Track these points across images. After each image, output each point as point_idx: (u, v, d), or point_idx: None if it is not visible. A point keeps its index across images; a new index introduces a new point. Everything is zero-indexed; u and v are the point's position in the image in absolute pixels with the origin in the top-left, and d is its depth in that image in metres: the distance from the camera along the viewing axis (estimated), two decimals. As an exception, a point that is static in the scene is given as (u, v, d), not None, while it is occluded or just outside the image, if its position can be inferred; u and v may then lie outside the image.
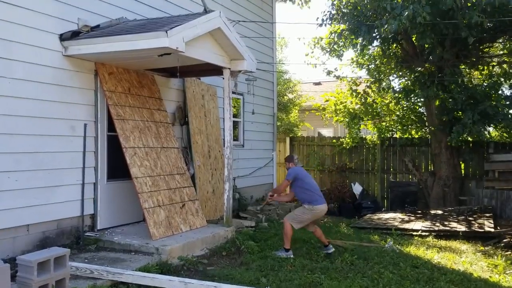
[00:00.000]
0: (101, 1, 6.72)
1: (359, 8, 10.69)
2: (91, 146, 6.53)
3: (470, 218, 9.73)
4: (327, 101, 14.37)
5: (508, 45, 11.99)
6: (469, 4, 8.65)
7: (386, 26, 8.75)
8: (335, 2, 11.56)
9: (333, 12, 11.41)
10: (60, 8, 6.06)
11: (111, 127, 6.69)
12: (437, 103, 11.14)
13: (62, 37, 6.06)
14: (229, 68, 7.33)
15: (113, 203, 6.91)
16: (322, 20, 11.34)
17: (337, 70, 13.44)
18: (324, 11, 11.55)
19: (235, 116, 10.85)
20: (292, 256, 6.57)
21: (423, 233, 8.65)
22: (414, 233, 8.69)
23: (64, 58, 6.10)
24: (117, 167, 6.82)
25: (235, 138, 10.85)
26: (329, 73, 13.28)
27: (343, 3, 11.47)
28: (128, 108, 6.83)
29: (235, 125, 10.88)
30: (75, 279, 4.79)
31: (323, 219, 10.69)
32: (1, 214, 5.29)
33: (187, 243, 6.23)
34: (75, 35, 6.12)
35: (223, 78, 7.40)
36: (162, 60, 6.26)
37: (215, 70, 7.41)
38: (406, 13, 8.37)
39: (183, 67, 6.66)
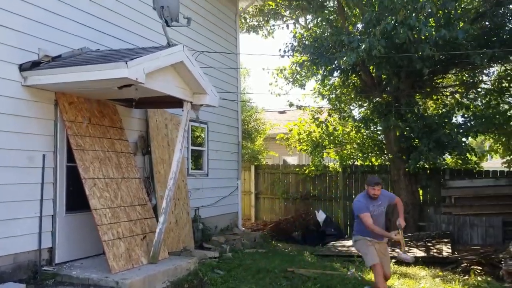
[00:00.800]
0: (63, 31, 6.70)
1: (319, 40, 11.07)
2: (50, 177, 6.39)
3: (429, 244, 9.99)
4: (290, 130, 14.62)
5: (459, 76, 12.65)
6: (422, 37, 9.12)
7: (344, 59, 9.10)
8: (296, 35, 11.94)
9: (295, 44, 11.77)
10: (20, 38, 6.01)
11: (70, 157, 6.57)
12: (398, 133, 11.52)
13: (22, 67, 5.98)
14: (191, 102, 7.36)
15: (72, 235, 6.73)
16: (284, 51, 11.67)
17: (299, 100, 13.82)
18: (286, 43, 11.93)
19: (199, 145, 10.87)
20: None
21: (384, 260, 8.78)
22: (376, 260, 8.82)
23: (23, 88, 6.02)
24: (77, 199, 6.67)
25: (200, 167, 10.84)
26: (291, 105, 13.62)
27: (304, 36, 11.86)
28: (88, 138, 6.76)
29: (200, 154, 10.89)
30: (30, 317, 4.62)
31: (287, 247, 10.74)
32: (-49, 250, 5.07)
33: (148, 276, 6.11)
34: (35, 65, 6.06)
35: (183, 110, 7.42)
36: (123, 91, 6.26)
37: (177, 103, 7.42)
38: (363, 46, 8.74)
39: (144, 98, 6.68)
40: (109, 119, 7.41)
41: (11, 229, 5.78)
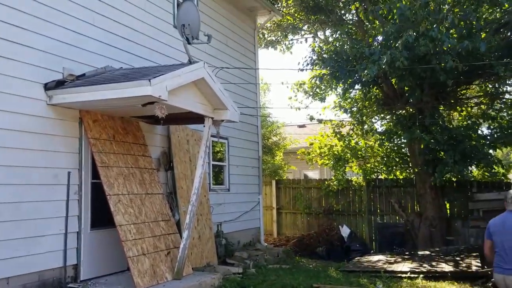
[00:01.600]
0: (86, 50, 6.83)
1: (339, 53, 11.04)
2: (75, 194, 6.44)
3: (458, 258, 9.71)
4: (311, 144, 14.53)
5: (483, 87, 12.42)
6: (444, 48, 9.01)
7: (366, 71, 9.03)
8: (315, 49, 11.93)
9: (314, 57, 11.76)
10: (46, 58, 6.14)
11: (95, 174, 6.64)
12: (422, 145, 11.33)
13: (47, 86, 6.10)
14: (212, 117, 7.39)
15: (97, 252, 6.76)
16: (304, 65, 11.67)
17: (320, 114, 13.74)
18: (305, 57, 11.93)
19: (220, 160, 10.88)
20: None
21: (412, 275, 8.57)
22: (403, 275, 8.61)
23: (48, 107, 6.12)
24: (101, 215, 6.71)
25: (221, 182, 10.83)
26: (311, 118, 13.54)
27: (324, 49, 11.85)
28: (112, 155, 6.82)
29: (221, 169, 10.89)
30: (56, 334, 4.61)
31: (311, 263, 10.58)
32: (-20, 267, 5.13)
33: (172, 292, 6.08)
34: (60, 84, 6.18)
35: (204, 126, 7.45)
36: (146, 109, 6.32)
37: (198, 119, 7.47)
38: (385, 58, 8.67)
39: (166, 115, 6.71)
40: (132, 135, 7.47)
41: (37, 246, 5.82)
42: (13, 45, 5.70)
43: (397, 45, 8.80)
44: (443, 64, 9.05)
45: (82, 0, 6.80)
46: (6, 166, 5.51)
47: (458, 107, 12.37)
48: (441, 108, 11.90)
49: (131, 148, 7.32)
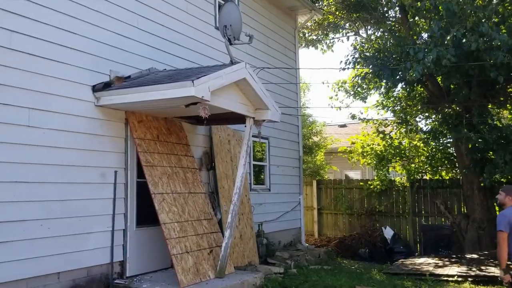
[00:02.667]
0: (131, 53, 7.02)
1: (381, 52, 10.81)
2: (121, 192, 6.64)
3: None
4: (353, 143, 14.31)
5: (536, 84, 11.81)
6: (493, 45, 8.65)
7: (410, 72, 8.79)
8: (357, 47, 11.74)
9: (356, 56, 11.57)
10: (93, 61, 6.35)
11: (140, 173, 6.81)
12: (470, 146, 10.93)
13: (95, 88, 6.31)
14: (253, 117, 7.42)
15: (142, 249, 6.93)
16: (345, 63, 11.50)
17: (362, 113, 13.48)
18: (347, 55, 11.75)
19: (261, 160, 10.90)
20: None
21: (459, 279, 8.30)
22: (450, 279, 8.35)
23: (96, 108, 6.33)
24: (146, 213, 6.87)
25: (262, 182, 10.85)
26: (353, 117, 13.31)
27: (366, 48, 11.63)
28: (156, 155, 6.97)
29: (261, 169, 10.91)
30: (104, 328, 4.75)
31: (353, 265, 10.43)
32: (34, 262, 5.36)
33: (215, 291, 6.15)
34: (107, 86, 6.37)
35: (245, 126, 7.48)
36: (189, 109, 6.42)
37: (240, 119, 7.51)
38: (431, 56, 8.41)
39: (209, 115, 6.79)
40: (175, 136, 7.61)
41: (85, 243, 6.03)
42: (64, 49, 5.93)
43: (445, 42, 8.52)
44: (492, 61, 8.69)
45: (127, 3, 7.00)
46: (57, 165, 5.74)
47: (508, 105, 11.83)
48: (489, 107, 11.43)
49: (174, 148, 7.45)
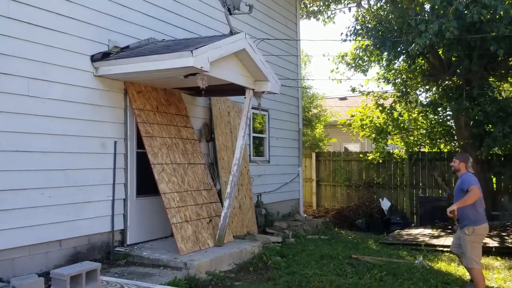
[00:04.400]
0: (130, 23, 6.95)
1: (383, 23, 10.68)
2: (121, 162, 6.70)
3: (503, 234, 9.47)
4: (353, 116, 14.31)
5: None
6: (497, 17, 8.55)
7: (413, 45, 8.71)
8: (359, 18, 11.59)
9: (358, 27, 11.44)
10: (92, 31, 6.31)
11: (140, 144, 6.86)
12: (470, 117, 10.94)
13: (94, 58, 6.29)
14: (253, 89, 7.41)
15: (142, 218, 7.05)
16: (347, 35, 11.39)
17: (362, 86, 13.42)
18: (349, 27, 11.62)
19: (260, 132, 10.94)
20: None
21: (454, 249, 8.44)
22: (445, 249, 8.50)
23: (95, 78, 6.32)
24: (146, 183, 6.96)
25: (261, 154, 10.92)
26: (353, 90, 13.25)
27: (367, 19, 11.49)
28: (156, 126, 7.00)
29: (261, 141, 10.96)
30: (106, 293, 4.89)
31: (350, 235, 10.60)
32: (35, 230, 5.47)
33: (214, 258, 6.28)
34: (105, 56, 6.35)
35: (245, 98, 7.48)
36: (188, 80, 6.41)
37: (239, 90, 7.51)
38: (433, 28, 8.33)
39: (208, 86, 6.78)
40: (175, 107, 7.62)
41: (86, 211, 6.13)
42: (62, 18, 5.88)
43: (447, 13, 8.41)
44: (494, 33, 8.61)
45: (126, -28, 6.89)
46: (57, 135, 5.78)
47: (509, 78, 11.78)
48: (490, 79, 11.38)
49: (173, 119, 7.48)
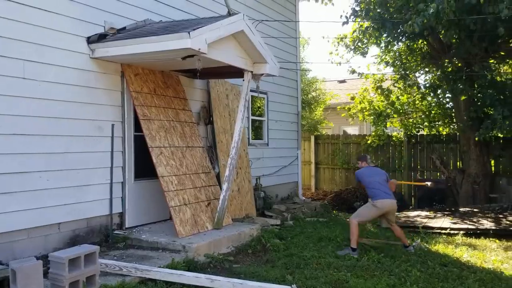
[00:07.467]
0: (127, 4, 6.85)
1: (383, 4, 10.54)
2: (119, 146, 6.67)
3: (501, 216, 9.51)
4: (352, 99, 14.25)
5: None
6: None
7: (409, 23, 8.62)
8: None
9: (357, 9, 11.31)
10: (88, 12, 6.21)
11: (137, 127, 6.82)
12: (464, 98, 10.90)
13: (90, 40, 6.20)
14: (251, 71, 7.34)
15: (141, 201, 7.05)
16: (346, 17, 11.25)
17: (360, 67, 13.34)
18: (348, 7, 11.47)
19: (259, 115, 10.89)
20: (356, 256, 6.53)
21: (452, 231, 8.50)
22: (442, 231, 8.55)
23: (91, 60, 6.25)
24: (144, 167, 6.94)
25: (260, 137, 10.89)
26: (353, 72, 13.14)
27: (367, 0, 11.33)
28: (154, 109, 6.95)
29: (260, 124, 10.92)
30: (105, 276, 4.91)
31: (349, 217, 10.62)
32: (34, 213, 5.46)
33: (213, 241, 6.30)
34: (102, 37, 6.26)
35: (243, 80, 7.41)
36: (186, 62, 6.34)
37: (238, 73, 7.44)
38: (431, 10, 8.22)
39: (206, 68, 6.73)
40: (173, 89, 7.56)
41: (85, 194, 6.13)
42: (56, -1, 5.78)
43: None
44: (496, 14, 8.50)
45: (121, -49, 6.75)
46: (54, 117, 5.73)
47: (509, 60, 11.69)
48: (491, 61, 11.30)
49: (171, 102, 7.42)
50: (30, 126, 5.45)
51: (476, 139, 10.60)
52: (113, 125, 6.54)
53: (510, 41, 11.25)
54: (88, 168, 6.17)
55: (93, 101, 6.27)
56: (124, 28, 6.64)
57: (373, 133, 13.59)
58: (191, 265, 5.54)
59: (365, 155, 7.66)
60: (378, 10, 10.47)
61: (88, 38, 6.19)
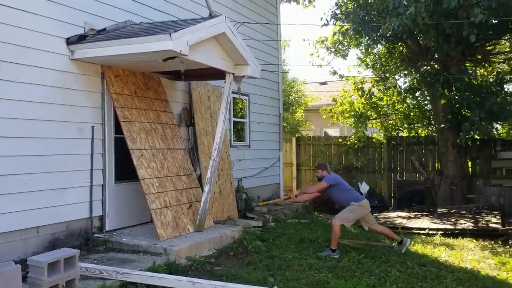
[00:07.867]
0: (107, 4, 6.78)
1: (363, 6, 10.67)
2: (99, 148, 6.60)
3: (478, 216, 9.71)
4: (334, 100, 14.38)
5: (514, 42, 11.95)
6: (473, 2, 8.62)
7: (386, 25, 8.75)
8: (340, 3, 11.56)
9: (337, 12, 11.43)
10: (67, 12, 6.13)
11: (118, 129, 6.76)
12: (442, 101, 11.11)
13: (69, 41, 6.12)
14: (233, 73, 7.34)
15: (121, 204, 6.98)
16: (326, 20, 11.36)
17: (340, 69, 13.50)
18: (329, 10, 11.59)
19: (241, 117, 10.90)
20: (337, 257, 6.59)
21: (430, 231, 8.64)
22: (421, 232, 8.69)
23: (71, 62, 6.17)
24: (125, 169, 6.88)
25: (242, 139, 10.90)
26: (334, 73, 13.28)
27: (347, 2, 11.47)
28: (134, 110, 6.90)
29: (242, 126, 10.93)
30: (85, 280, 4.84)
31: (330, 218, 10.71)
32: (12, 216, 5.36)
33: (194, 244, 6.28)
34: (81, 38, 6.19)
35: (225, 82, 7.42)
36: (167, 64, 6.31)
37: (219, 74, 7.43)
38: (409, 11, 8.37)
39: (187, 70, 6.70)
40: (154, 91, 7.52)
41: (64, 197, 6.04)
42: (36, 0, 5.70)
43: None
44: (472, 19, 8.69)
45: (101, -48, 6.69)
46: (32, 120, 5.64)
47: (485, 64, 11.96)
48: (467, 64, 11.54)
49: (152, 104, 7.38)
50: (7, 128, 5.34)
51: (458, 142, 10.78)
52: (93, 127, 6.47)
53: (486, 45, 11.53)
54: (67, 170, 6.09)
55: (72, 103, 6.19)
56: (105, 29, 6.57)
57: (353, 135, 13.73)
58: (172, 268, 5.52)
59: (325, 164, 7.63)
60: (360, 13, 10.59)
61: (68, 39, 6.12)
